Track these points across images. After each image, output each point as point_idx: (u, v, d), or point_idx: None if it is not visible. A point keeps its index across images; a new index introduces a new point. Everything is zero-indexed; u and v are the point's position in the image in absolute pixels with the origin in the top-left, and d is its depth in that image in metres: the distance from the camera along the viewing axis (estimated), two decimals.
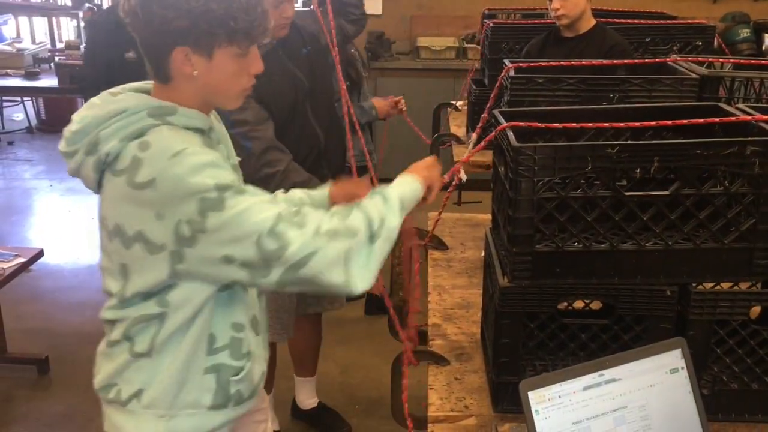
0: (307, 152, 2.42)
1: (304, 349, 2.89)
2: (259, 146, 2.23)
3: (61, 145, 1.38)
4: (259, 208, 1.28)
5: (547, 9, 3.09)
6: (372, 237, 1.34)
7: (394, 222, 1.38)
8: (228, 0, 1.29)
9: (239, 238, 1.27)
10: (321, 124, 2.45)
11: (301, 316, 2.68)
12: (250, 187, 1.34)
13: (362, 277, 1.32)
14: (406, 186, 1.47)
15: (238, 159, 1.57)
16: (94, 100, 1.39)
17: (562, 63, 2.02)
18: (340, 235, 1.31)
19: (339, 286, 1.31)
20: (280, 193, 1.63)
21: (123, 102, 1.34)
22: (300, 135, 2.39)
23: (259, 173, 2.22)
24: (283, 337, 2.59)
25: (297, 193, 1.65)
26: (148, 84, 1.43)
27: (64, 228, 5.11)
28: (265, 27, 1.35)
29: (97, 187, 1.40)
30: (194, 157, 1.28)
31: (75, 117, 1.38)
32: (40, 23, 7.73)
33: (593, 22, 2.92)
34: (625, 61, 2.07)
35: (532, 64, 2.01)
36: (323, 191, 1.64)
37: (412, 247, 1.65)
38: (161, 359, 1.42)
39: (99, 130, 1.33)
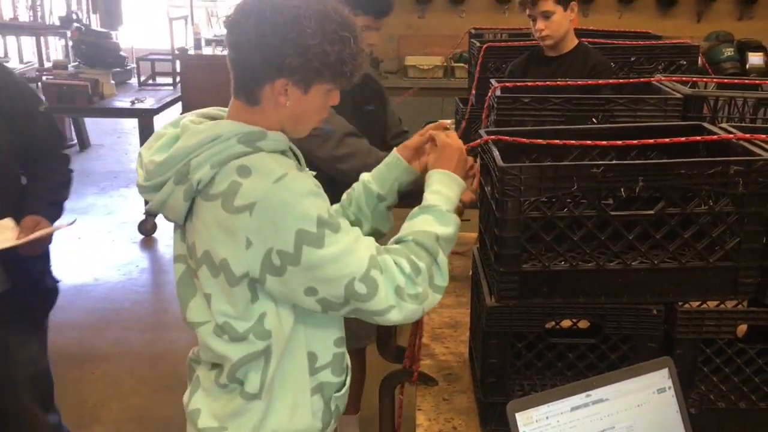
0: None
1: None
2: (338, 130, 2.31)
3: (140, 179, 1.38)
4: (354, 248, 1.30)
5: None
6: (435, 260, 1.38)
7: (449, 231, 1.41)
8: (341, 44, 1.31)
9: (333, 279, 1.29)
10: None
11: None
12: (343, 221, 1.33)
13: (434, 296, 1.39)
14: (452, 187, 1.47)
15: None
16: (165, 131, 1.40)
17: (547, 82, 2.03)
18: (419, 292, 1.35)
19: (413, 312, 1.36)
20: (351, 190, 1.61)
21: (213, 130, 1.33)
22: None
23: (337, 151, 2.29)
24: None
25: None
26: (220, 111, 1.43)
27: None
28: (362, 71, 1.38)
29: (184, 218, 1.38)
30: (297, 183, 1.30)
31: (146, 152, 1.38)
32: (28, 42, 7.70)
33: (576, 41, 2.94)
34: (611, 80, 2.08)
35: (518, 83, 2.02)
36: (392, 158, 1.58)
37: None
38: (273, 397, 1.40)
39: (190, 158, 1.31)
